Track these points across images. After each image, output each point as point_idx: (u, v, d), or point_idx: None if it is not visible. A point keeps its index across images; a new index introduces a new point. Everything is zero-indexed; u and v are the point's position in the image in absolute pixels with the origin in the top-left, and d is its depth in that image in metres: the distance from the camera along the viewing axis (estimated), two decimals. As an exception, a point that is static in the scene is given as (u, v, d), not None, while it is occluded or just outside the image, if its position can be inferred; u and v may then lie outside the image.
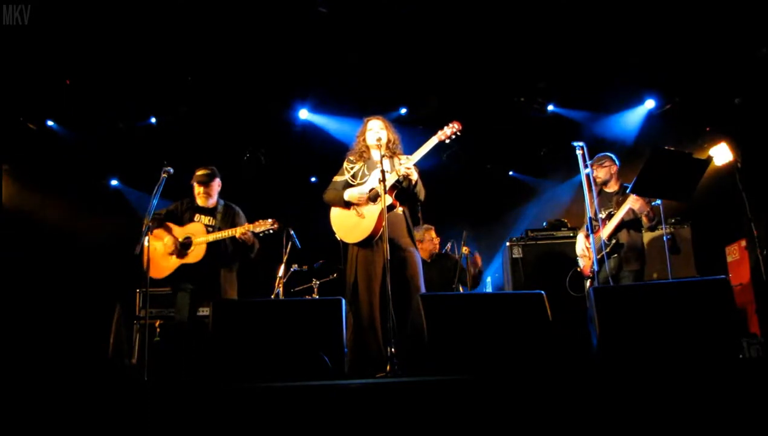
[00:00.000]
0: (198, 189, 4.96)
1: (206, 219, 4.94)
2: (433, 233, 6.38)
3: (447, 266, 6.35)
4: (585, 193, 4.63)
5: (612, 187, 5.17)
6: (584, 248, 5.22)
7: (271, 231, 4.75)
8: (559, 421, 2.58)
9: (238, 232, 4.71)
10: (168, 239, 4.81)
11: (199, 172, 4.98)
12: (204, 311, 5.02)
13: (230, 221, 4.99)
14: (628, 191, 4.77)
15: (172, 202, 5.10)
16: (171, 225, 4.87)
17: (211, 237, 4.77)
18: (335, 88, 7.36)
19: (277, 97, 7.61)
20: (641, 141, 7.51)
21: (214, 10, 6.07)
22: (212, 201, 5.01)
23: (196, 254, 4.76)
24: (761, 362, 4.07)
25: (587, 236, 5.12)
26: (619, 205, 4.98)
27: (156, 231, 4.80)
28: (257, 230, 4.72)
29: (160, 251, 4.78)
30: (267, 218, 4.74)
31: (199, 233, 4.82)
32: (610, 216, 5.01)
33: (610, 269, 4.95)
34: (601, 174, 5.13)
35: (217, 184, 5.04)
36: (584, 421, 2.59)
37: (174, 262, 4.79)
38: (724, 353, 3.21)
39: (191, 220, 4.90)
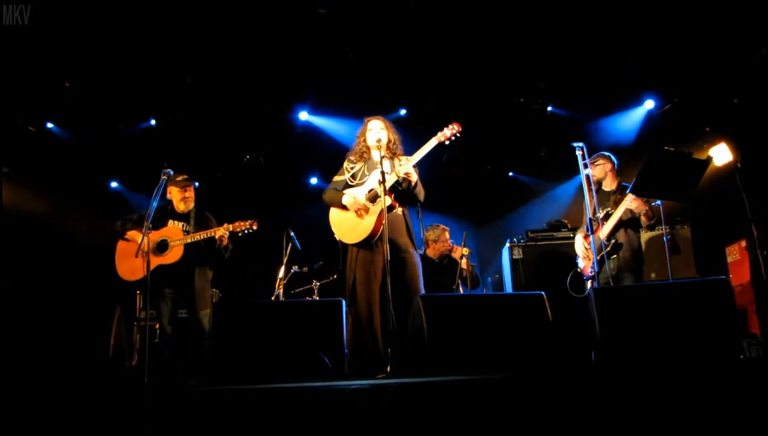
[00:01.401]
0: (185, 194, 5.03)
1: (180, 224, 5.01)
2: (447, 235, 6.37)
3: (451, 267, 6.34)
4: (585, 193, 4.63)
5: (610, 186, 5.17)
6: (583, 248, 5.22)
7: (249, 231, 4.84)
8: (560, 422, 2.58)
9: (218, 232, 4.78)
10: (144, 241, 4.75)
11: (182, 178, 5.05)
12: (183, 313, 5.06)
13: (203, 226, 5.06)
14: (627, 191, 4.77)
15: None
16: (139, 232, 4.85)
17: (189, 238, 4.84)
18: (335, 89, 7.36)
19: (277, 98, 7.61)
20: (641, 141, 7.50)
21: (214, 12, 6.08)
22: (191, 205, 5.09)
23: (173, 255, 4.82)
24: (762, 362, 4.07)
25: (586, 236, 5.12)
26: (616, 204, 4.98)
27: (130, 233, 4.88)
28: (237, 230, 4.81)
29: (134, 253, 4.72)
30: (247, 219, 4.84)
31: (176, 235, 4.89)
32: (608, 216, 5.00)
33: (610, 270, 4.95)
34: (596, 172, 5.13)
35: (194, 191, 5.14)
36: (585, 421, 2.58)
37: (150, 262, 4.72)
38: (725, 353, 3.21)
39: (164, 225, 4.97)
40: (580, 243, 5.26)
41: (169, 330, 4.87)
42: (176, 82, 7.06)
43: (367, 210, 4.14)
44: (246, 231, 4.83)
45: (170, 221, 5.00)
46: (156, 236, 4.87)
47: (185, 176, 5.05)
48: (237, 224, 4.81)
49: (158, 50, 6.50)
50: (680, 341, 3.21)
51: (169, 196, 5.09)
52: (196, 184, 5.16)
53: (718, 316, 3.28)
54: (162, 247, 4.85)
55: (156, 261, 4.78)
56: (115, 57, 6.50)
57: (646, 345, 3.22)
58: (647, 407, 2.61)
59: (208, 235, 4.82)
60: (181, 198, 5.02)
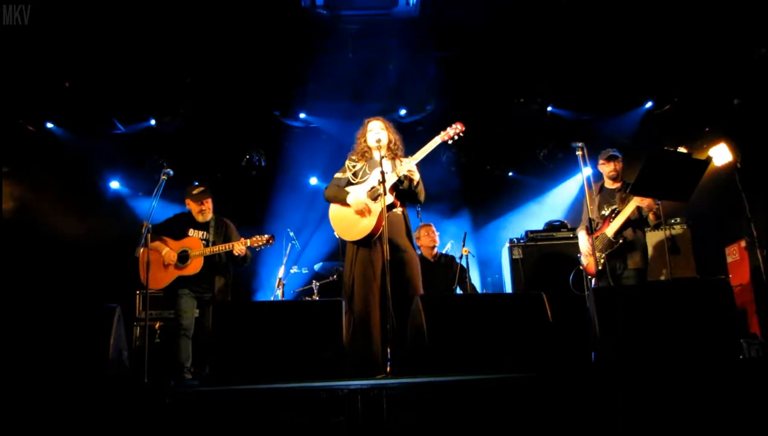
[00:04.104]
0: (202, 206, 5.14)
1: (200, 233, 5.14)
2: (426, 230, 6.36)
3: (448, 267, 6.33)
4: (585, 193, 4.64)
5: (615, 184, 5.18)
6: (588, 246, 5.18)
7: (265, 246, 5.04)
8: (560, 421, 2.58)
9: (235, 248, 4.96)
10: (166, 252, 4.98)
11: (199, 191, 5.15)
12: (196, 313, 5.14)
13: (223, 234, 5.21)
14: (629, 191, 4.77)
15: (170, 203, 5.19)
16: (167, 239, 5.05)
17: (208, 250, 5.00)
18: (334, 90, 7.36)
19: (277, 98, 7.61)
20: (641, 141, 7.50)
21: (214, 11, 6.08)
22: (209, 215, 5.20)
23: (193, 266, 4.98)
24: (761, 362, 4.07)
25: (589, 234, 5.11)
26: (623, 202, 4.97)
27: (153, 244, 4.92)
28: (254, 245, 5.01)
29: (158, 262, 4.94)
30: (264, 234, 5.05)
31: (196, 246, 5.03)
32: (615, 213, 4.99)
33: (615, 268, 4.95)
34: (618, 167, 5.15)
35: (211, 199, 5.25)
36: (584, 421, 2.58)
37: (172, 273, 4.98)
38: (724, 353, 3.21)
39: (185, 234, 5.10)
40: (584, 241, 5.21)
41: (191, 326, 4.96)
42: (176, 82, 7.06)
43: (370, 211, 4.13)
44: (263, 246, 5.04)
45: (190, 230, 5.13)
46: (177, 246, 5.03)
47: (201, 189, 5.17)
48: (254, 239, 5.01)
49: (158, 50, 6.50)
50: (680, 341, 3.21)
51: (187, 206, 5.22)
52: (209, 195, 5.23)
53: (717, 316, 3.28)
54: (183, 258, 5.00)
55: (176, 273, 4.97)
56: (115, 57, 6.50)
57: (646, 345, 3.22)
58: (647, 406, 2.61)
59: (227, 248, 4.98)
60: (197, 211, 5.16)
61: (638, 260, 4.97)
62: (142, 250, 4.57)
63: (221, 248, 4.99)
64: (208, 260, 5.01)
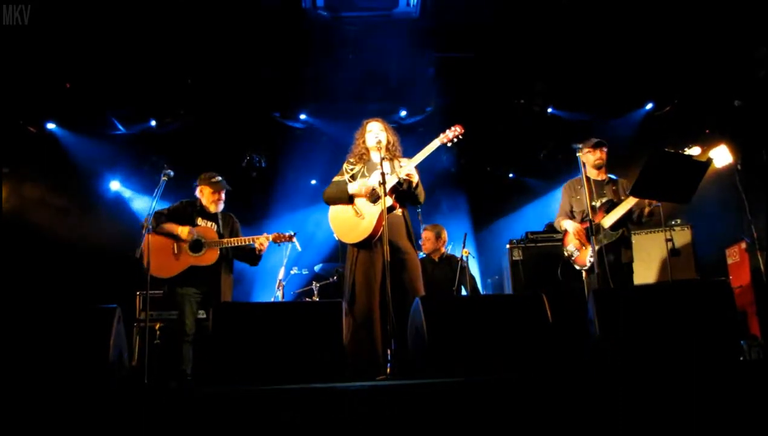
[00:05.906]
0: (219, 196, 4.96)
1: (211, 224, 4.94)
2: (427, 233, 6.36)
3: (451, 267, 6.32)
4: (585, 191, 4.65)
5: (600, 175, 5.14)
6: (578, 237, 5.08)
7: (288, 242, 4.88)
8: (559, 423, 2.57)
9: (257, 241, 4.78)
10: (181, 230, 4.76)
11: (218, 179, 4.96)
12: (202, 314, 5.04)
13: (229, 228, 5.04)
14: (629, 193, 4.76)
15: (170, 203, 5.11)
16: (177, 225, 4.82)
17: (226, 241, 4.81)
18: (335, 91, 7.37)
19: (277, 99, 7.61)
20: (641, 143, 7.50)
21: (214, 13, 6.09)
22: (221, 207, 5.01)
23: (209, 257, 4.76)
24: (762, 364, 4.07)
25: (583, 225, 5.04)
26: (616, 194, 4.95)
27: (168, 226, 4.76)
28: (277, 241, 4.83)
29: (168, 250, 4.73)
30: (286, 231, 4.90)
31: (211, 236, 4.82)
32: (610, 204, 4.93)
33: (611, 262, 4.93)
34: (604, 156, 5.09)
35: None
36: (584, 423, 2.58)
37: (184, 262, 4.76)
38: (725, 355, 3.21)
39: (194, 223, 4.88)
40: (576, 232, 5.10)
41: (193, 330, 4.74)
42: (177, 83, 7.07)
43: (373, 201, 4.10)
44: (284, 243, 4.89)
45: (199, 219, 4.92)
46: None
47: (219, 178, 4.97)
48: (277, 235, 4.83)
49: (159, 51, 6.51)
50: (680, 342, 3.21)
51: (198, 194, 5.00)
52: (229, 187, 5.07)
53: (718, 317, 3.28)
54: (196, 247, 4.78)
55: (190, 261, 4.74)
56: (116, 57, 6.51)
57: (646, 347, 3.22)
58: (647, 408, 2.61)
59: (249, 242, 4.79)
60: (212, 200, 4.93)
61: (630, 254, 4.96)
62: (152, 238, 4.35)
63: (243, 240, 4.80)
64: (221, 253, 4.81)
